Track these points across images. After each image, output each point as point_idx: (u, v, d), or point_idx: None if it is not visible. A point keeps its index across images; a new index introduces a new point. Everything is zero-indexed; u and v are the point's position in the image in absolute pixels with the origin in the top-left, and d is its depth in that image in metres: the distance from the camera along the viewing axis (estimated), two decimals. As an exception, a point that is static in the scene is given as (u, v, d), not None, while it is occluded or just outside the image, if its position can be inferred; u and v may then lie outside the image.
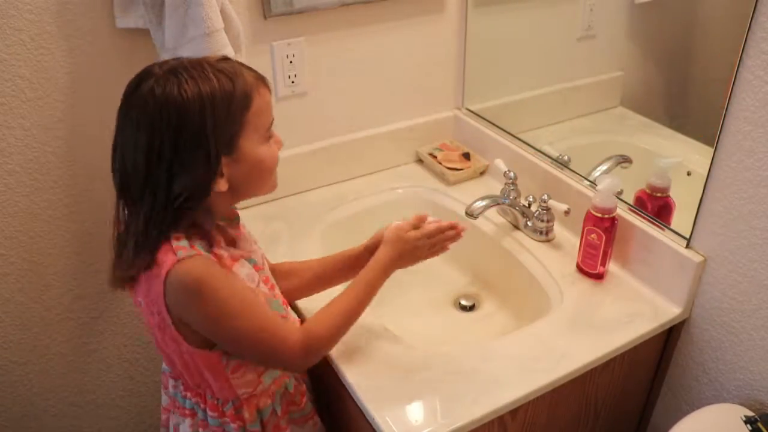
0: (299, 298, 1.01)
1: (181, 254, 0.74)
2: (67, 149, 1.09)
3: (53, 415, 1.31)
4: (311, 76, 1.24)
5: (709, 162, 0.92)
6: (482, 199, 1.14)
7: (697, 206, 0.96)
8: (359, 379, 0.89)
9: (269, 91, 0.80)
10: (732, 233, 0.92)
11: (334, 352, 0.93)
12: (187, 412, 0.91)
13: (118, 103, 0.77)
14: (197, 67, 0.73)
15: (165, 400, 1.00)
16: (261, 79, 0.79)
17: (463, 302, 1.21)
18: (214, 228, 0.83)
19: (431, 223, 0.94)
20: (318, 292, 1.00)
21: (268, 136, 0.81)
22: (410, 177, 1.40)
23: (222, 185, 0.77)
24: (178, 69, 0.73)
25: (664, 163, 1.02)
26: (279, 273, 0.97)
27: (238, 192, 0.80)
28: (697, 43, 1.04)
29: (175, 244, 0.75)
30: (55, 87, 1.04)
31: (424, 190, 1.36)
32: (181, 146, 0.72)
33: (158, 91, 0.71)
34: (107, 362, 1.32)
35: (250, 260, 0.87)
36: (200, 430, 0.91)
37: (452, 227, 0.95)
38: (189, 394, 0.91)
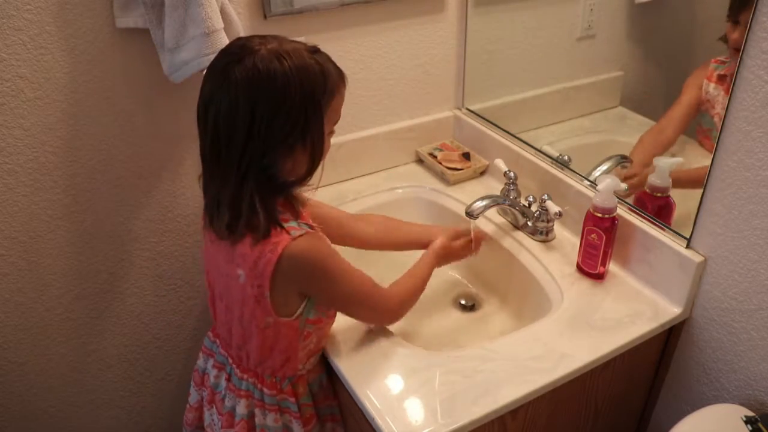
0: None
1: (295, 233, 0.82)
2: (67, 149, 1.09)
3: (53, 415, 1.31)
4: (311, 76, 1.24)
5: (709, 162, 0.92)
6: (482, 199, 1.14)
7: (697, 206, 0.96)
8: (359, 379, 0.89)
9: (345, 88, 0.86)
10: (732, 233, 0.92)
11: (334, 352, 0.93)
12: (242, 393, 0.95)
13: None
14: (297, 53, 0.79)
15: (194, 397, 1.05)
16: (342, 77, 0.85)
17: (463, 302, 1.21)
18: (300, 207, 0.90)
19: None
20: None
21: (331, 132, 0.86)
22: (410, 177, 1.40)
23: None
24: (280, 52, 0.78)
25: (664, 163, 1.02)
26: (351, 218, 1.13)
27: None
28: (697, 43, 1.04)
29: (286, 225, 0.83)
30: (55, 87, 1.03)
31: (424, 190, 1.36)
32: (279, 120, 0.77)
33: (263, 66, 0.76)
34: (107, 362, 1.32)
35: None
36: (256, 409, 0.95)
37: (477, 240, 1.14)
38: (246, 376, 0.95)
